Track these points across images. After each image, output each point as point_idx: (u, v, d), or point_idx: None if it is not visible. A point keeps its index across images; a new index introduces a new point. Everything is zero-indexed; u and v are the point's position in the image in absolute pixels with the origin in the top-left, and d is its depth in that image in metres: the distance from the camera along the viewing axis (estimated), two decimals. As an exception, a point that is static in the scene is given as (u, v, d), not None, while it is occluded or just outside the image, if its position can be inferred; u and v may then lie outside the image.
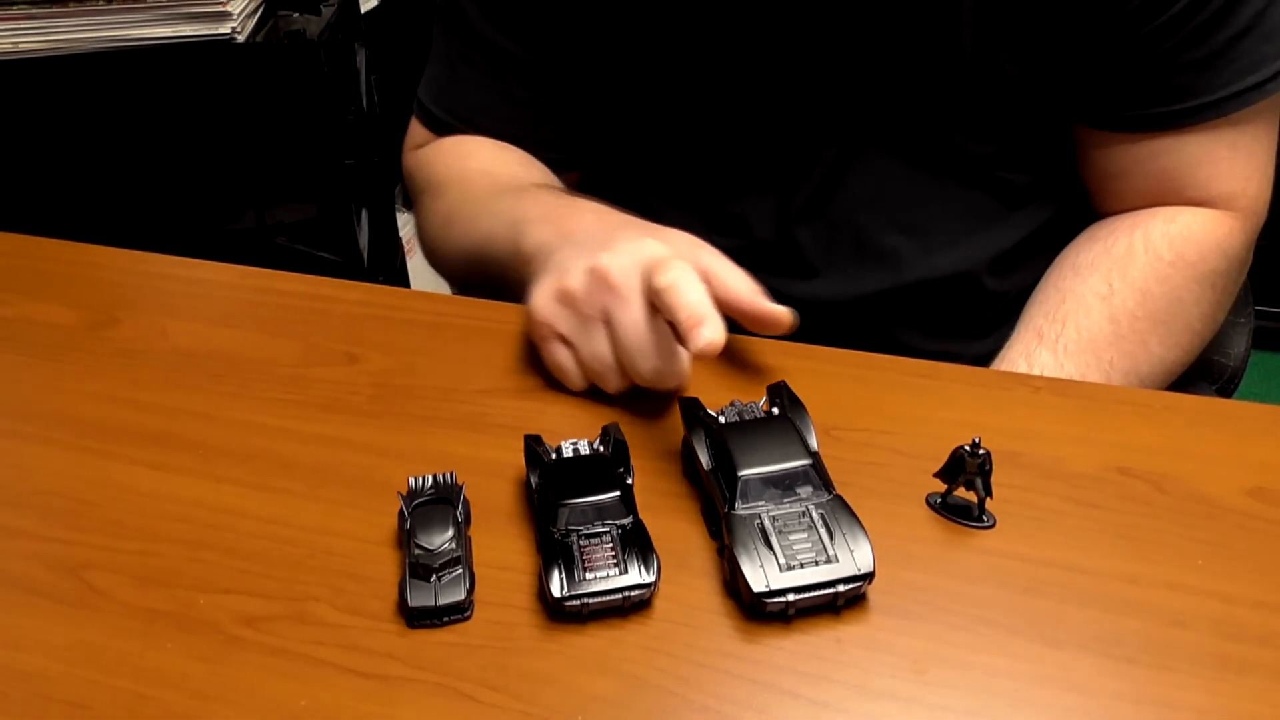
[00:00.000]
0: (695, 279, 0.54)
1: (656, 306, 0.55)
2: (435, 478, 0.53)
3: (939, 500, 0.53)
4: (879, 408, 0.59)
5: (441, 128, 0.83)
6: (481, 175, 0.77)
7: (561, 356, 0.60)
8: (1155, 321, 0.71)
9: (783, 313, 0.57)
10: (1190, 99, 0.70)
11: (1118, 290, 0.71)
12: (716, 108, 0.76)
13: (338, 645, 0.47)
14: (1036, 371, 0.69)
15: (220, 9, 1.26)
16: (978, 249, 0.79)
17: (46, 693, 0.46)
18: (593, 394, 0.61)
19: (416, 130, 0.86)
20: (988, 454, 0.51)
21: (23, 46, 1.26)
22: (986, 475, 0.51)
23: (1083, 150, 0.76)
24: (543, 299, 0.59)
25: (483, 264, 0.73)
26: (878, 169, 0.76)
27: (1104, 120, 0.74)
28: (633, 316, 0.56)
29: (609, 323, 0.57)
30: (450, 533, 0.49)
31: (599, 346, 0.58)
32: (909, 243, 0.78)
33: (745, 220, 0.79)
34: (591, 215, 0.66)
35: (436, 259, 0.82)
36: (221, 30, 1.27)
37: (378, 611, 0.49)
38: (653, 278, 0.55)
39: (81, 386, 0.64)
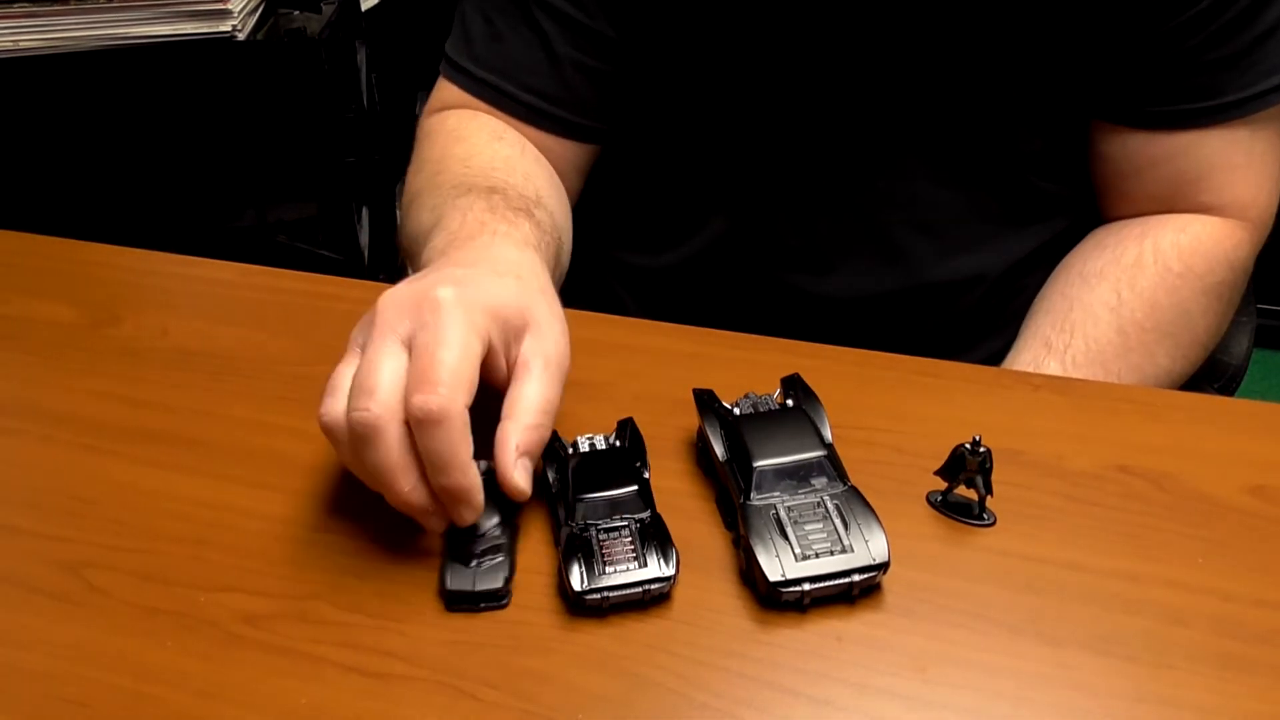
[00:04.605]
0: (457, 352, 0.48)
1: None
2: (489, 462, 0.50)
3: (940, 498, 0.53)
4: (880, 406, 0.59)
5: (474, 85, 0.78)
6: (457, 163, 0.73)
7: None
8: (1163, 334, 0.71)
9: (516, 488, 0.49)
10: (1213, 98, 0.70)
11: (1126, 301, 0.71)
12: (751, 99, 0.75)
13: (338, 644, 0.47)
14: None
15: (221, 7, 1.26)
16: (996, 254, 0.79)
17: (47, 691, 0.46)
18: (599, 392, 0.61)
19: (441, 92, 0.80)
20: (988, 452, 0.51)
21: (23, 45, 1.26)
22: (987, 473, 0.51)
23: (1098, 147, 0.76)
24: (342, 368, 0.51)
25: (413, 254, 0.69)
26: (904, 168, 0.76)
27: (1125, 115, 0.73)
28: (367, 361, 0.49)
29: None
30: (496, 519, 0.49)
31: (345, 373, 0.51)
32: (928, 244, 0.78)
33: (771, 212, 0.79)
34: (471, 254, 0.59)
35: (399, 235, 0.78)
36: (222, 28, 1.27)
37: (379, 610, 0.49)
38: (419, 329, 0.49)
39: (82, 384, 0.64)
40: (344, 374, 0.50)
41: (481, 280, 0.52)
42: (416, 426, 0.47)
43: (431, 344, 0.47)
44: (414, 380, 0.47)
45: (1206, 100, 0.70)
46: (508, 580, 0.48)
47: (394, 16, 1.59)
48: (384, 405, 0.47)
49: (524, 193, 0.68)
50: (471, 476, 0.48)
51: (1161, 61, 0.70)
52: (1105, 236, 0.76)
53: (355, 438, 0.47)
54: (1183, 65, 0.69)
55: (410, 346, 0.48)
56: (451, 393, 0.46)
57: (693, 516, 0.53)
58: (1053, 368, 0.70)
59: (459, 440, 0.47)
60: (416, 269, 0.65)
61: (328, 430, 0.49)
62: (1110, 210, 0.78)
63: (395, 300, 0.50)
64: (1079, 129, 0.75)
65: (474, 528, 0.49)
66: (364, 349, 0.49)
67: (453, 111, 0.79)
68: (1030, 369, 0.71)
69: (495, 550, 0.49)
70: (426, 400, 0.46)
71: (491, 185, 0.67)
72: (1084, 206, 0.79)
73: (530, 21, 0.76)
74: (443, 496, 0.48)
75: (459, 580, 0.48)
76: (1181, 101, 0.71)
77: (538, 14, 0.76)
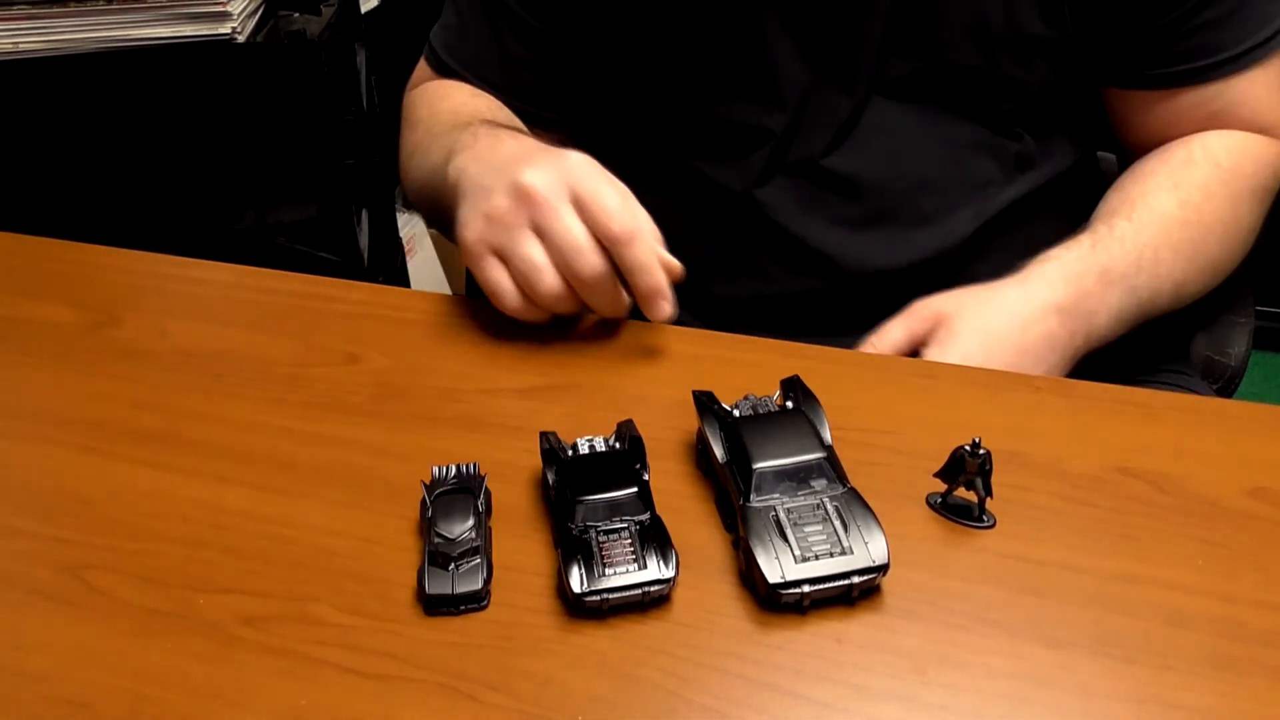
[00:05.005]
0: (615, 187, 0.59)
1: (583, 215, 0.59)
2: (459, 468, 0.54)
3: (939, 500, 0.53)
4: (879, 408, 0.59)
5: (443, 70, 0.86)
6: (449, 114, 0.79)
7: (496, 274, 0.62)
8: (1216, 220, 0.73)
9: (672, 265, 0.60)
10: (1213, 54, 0.72)
11: (1183, 186, 0.73)
12: (715, 66, 0.76)
13: (338, 645, 0.47)
14: (1112, 245, 0.70)
15: (220, 9, 1.25)
16: (984, 210, 0.78)
17: (47, 692, 0.46)
18: (598, 393, 0.61)
19: (420, 70, 0.89)
20: (988, 454, 0.51)
21: (23, 46, 1.26)
22: (987, 475, 0.51)
23: (1124, 114, 0.78)
24: (471, 220, 0.62)
25: (431, 197, 0.75)
26: (892, 124, 0.76)
27: (1137, 80, 0.75)
28: (563, 221, 0.59)
29: (540, 233, 0.60)
30: (470, 522, 0.50)
31: (533, 252, 0.60)
32: (927, 200, 0.78)
33: (749, 179, 0.79)
34: (511, 142, 0.68)
35: (406, 190, 0.85)
36: (222, 30, 1.27)
37: (378, 611, 0.49)
38: (576, 185, 0.59)
39: (82, 386, 0.64)
40: (501, 272, 0.61)
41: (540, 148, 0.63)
42: (618, 247, 0.59)
43: (591, 197, 0.59)
44: (600, 225, 0.58)
45: (1207, 58, 0.72)
46: (486, 581, 0.49)
47: (393, 18, 1.59)
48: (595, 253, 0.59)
49: (515, 124, 0.77)
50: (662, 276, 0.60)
51: (1159, 24, 0.71)
52: (1152, 152, 0.77)
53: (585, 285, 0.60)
54: (1178, 26, 0.71)
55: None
56: (630, 219, 0.59)
57: (692, 518, 0.53)
58: (1122, 229, 0.71)
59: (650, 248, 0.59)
60: (438, 198, 0.70)
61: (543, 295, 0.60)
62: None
63: (520, 191, 0.60)
64: (1056, 96, 0.76)
65: (449, 533, 0.49)
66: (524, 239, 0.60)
67: (434, 81, 0.87)
68: (1091, 243, 0.71)
69: (472, 553, 0.49)
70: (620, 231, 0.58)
71: (484, 119, 0.75)
72: (1068, 157, 0.80)
73: (491, 19, 0.82)
74: (643, 295, 0.60)
75: (438, 584, 0.48)
76: (1183, 61, 0.73)
77: (495, 13, 0.82)
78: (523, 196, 0.59)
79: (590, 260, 0.59)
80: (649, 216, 0.61)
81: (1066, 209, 0.82)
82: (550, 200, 0.59)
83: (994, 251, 0.79)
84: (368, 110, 1.52)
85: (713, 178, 0.79)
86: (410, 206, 1.73)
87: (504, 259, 0.61)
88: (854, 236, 0.78)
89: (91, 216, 1.39)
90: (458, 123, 0.76)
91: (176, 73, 1.30)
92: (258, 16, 1.33)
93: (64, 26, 1.26)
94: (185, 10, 1.26)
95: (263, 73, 1.32)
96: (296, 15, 1.38)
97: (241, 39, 1.28)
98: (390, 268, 1.64)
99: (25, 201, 1.37)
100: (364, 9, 1.51)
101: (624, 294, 0.61)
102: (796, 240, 0.78)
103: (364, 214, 1.54)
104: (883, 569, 0.48)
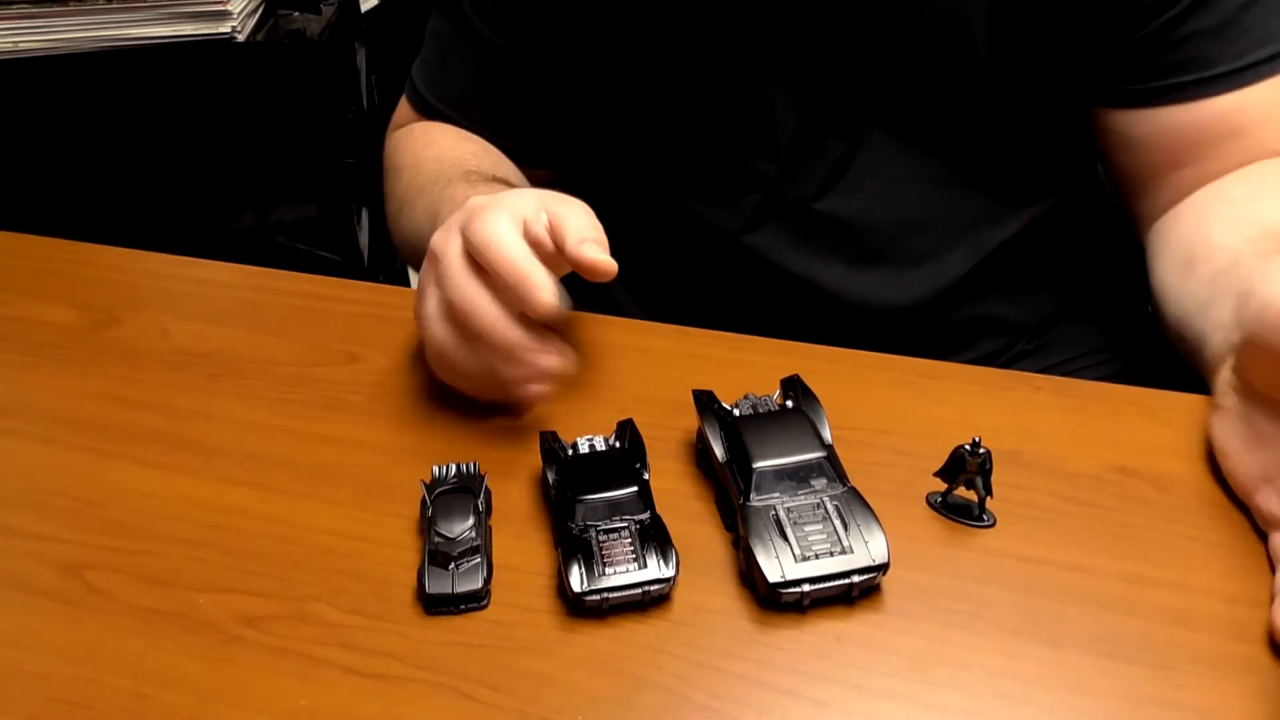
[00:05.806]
0: (509, 230, 0.54)
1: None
2: (458, 467, 0.54)
3: (939, 499, 0.53)
4: (879, 407, 0.59)
5: (428, 110, 0.83)
6: (433, 163, 0.77)
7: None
8: None
9: (605, 263, 0.54)
10: (1204, 69, 0.66)
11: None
12: (708, 112, 0.75)
13: (338, 645, 0.47)
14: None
15: (220, 8, 1.26)
16: (979, 248, 0.78)
17: (47, 692, 0.46)
18: (598, 393, 0.61)
19: (403, 110, 0.86)
20: (988, 453, 0.51)
21: (23, 46, 1.26)
22: (987, 474, 0.51)
23: (1117, 139, 0.72)
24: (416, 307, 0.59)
25: (419, 254, 0.71)
26: (884, 165, 0.75)
27: (1120, 97, 0.70)
28: (454, 280, 0.55)
29: (445, 301, 0.56)
30: (470, 521, 0.50)
31: (429, 306, 0.57)
32: (920, 241, 0.77)
33: (741, 221, 0.78)
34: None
35: (395, 244, 0.83)
36: (221, 29, 1.27)
37: (378, 611, 0.49)
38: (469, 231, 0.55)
39: (82, 386, 0.64)
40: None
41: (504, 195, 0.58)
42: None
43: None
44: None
45: (1200, 71, 0.66)
46: (486, 581, 0.49)
47: (394, 18, 1.59)
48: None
49: (496, 175, 0.73)
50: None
51: (1131, 41, 0.67)
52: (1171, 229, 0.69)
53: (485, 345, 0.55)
54: (1165, 39, 0.66)
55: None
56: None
57: (692, 518, 0.53)
58: None
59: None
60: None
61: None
62: (1184, 191, 0.70)
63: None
64: (1045, 128, 0.74)
65: (449, 533, 0.50)
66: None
67: (418, 123, 0.83)
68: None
69: (472, 553, 0.49)
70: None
71: (466, 171, 0.72)
72: (1059, 190, 0.78)
73: (476, 55, 0.80)
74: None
75: (438, 584, 0.48)
76: (1165, 77, 0.67)
77: (480, 49, 0.79)
78: (430, 258, 0.57)
79: (484, 322, 0.54)
80: (572, 229, 0.55)
81: (1063, 243, 0.81)
82: (444, 255, 0.55)
83: (991, 289, 0.79)
84: (368, 110, 1.52)
85: (704, 216, 0.79)
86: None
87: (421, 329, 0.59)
88: (847, 277, 0.77)
89: (92, 216, 1.39)
90: (441, 175, 0.73)
91: (176, 72, 1.30)
92: (258, 16, 1.33)
93: (63, 26, 1.26)
94: (185, 9, 1.26)
95: (263, 72, 1.32)
96: (296, 15, 1.38)
97: (241, 38, 1.28)
98: (390, 268, 1.64)
99: (25, 201, 1.37)
100: (364, 8, 1.51)
101: (541, 361, 0.55)
102: (789, 279, 0.78)
103: (364, 213, 1.54)
104: (883, 568, 0.48)
